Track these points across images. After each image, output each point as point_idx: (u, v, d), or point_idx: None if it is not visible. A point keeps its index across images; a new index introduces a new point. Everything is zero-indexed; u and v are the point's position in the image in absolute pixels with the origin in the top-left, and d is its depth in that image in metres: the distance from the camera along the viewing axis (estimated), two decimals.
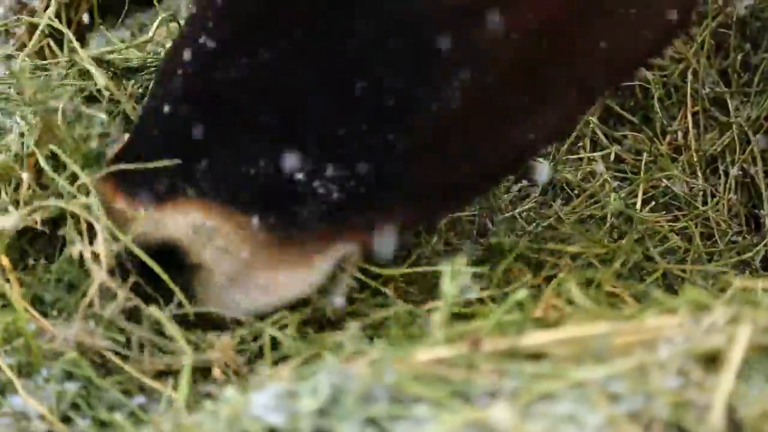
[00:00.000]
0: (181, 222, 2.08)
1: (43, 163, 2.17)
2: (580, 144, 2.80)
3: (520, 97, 2.12)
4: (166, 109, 2.09)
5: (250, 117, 2.06)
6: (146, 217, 2.07)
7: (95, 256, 2.07)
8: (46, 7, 2.95)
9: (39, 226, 2.16)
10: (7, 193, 2.23)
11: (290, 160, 2.06)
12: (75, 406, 2.02)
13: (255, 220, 2.07)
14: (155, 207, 2.08)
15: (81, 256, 2.11)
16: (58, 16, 2.92)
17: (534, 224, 2.51)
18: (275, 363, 2.04)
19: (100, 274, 2.06)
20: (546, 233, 2.54)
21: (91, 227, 2.09)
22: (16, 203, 2.19)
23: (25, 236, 2.20)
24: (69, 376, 2.04)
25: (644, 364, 1.61)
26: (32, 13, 2.99)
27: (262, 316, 2.14)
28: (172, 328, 2.02)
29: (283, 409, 1.63)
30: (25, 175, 2.21)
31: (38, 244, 2.23)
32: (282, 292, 2.14)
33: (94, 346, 2.05)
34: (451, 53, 2.03)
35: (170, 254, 2.10)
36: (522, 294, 1.78)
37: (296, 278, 2.14)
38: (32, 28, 2.95)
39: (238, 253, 2.09)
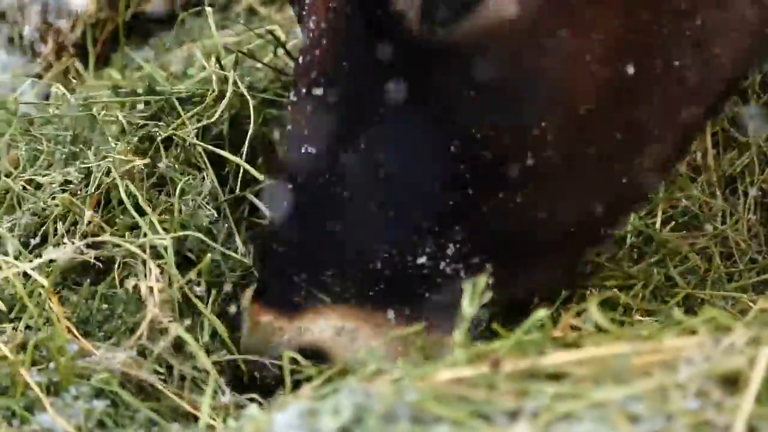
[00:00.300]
0: (324, 326, 2.11)
1: (127, 202, 2.23)
2: None
3: (613, 132, 2.10)
4: (287, 221, 2.13)
5: (362, 212, 2.09)
6: (290, 327, 2.10)
7: (150, 290, 2.12)
8: (72, 27, 2.98)
9: (92, 260, 2.21)
10: (63, 226, 2.28)
11: (409, 245, 2.08)
12: (102, 424, 2.04)
13: (390, 315, 2.09)
14: (297, 315, 2.11)
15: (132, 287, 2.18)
16: (83, 36, 2.96)
17: None
18: (297, 384, 2.05)
19: (153, 310, 2.10)
20: None
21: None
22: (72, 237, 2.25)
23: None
24: (98, 394, 2.06)
25: (664, 384, 1.62)
26: (58, 33, 3.02)
27: None
28: (196, 347, 2.03)
29: (306, 428, 1.64)
30: (88, 213, 2.26)
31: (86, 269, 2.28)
32: None
33: (138, 376, 2.09)
34: (534, 96, 2.04)
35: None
36: (541, 314, 1.79)
37: None
38: (58, 47, 2.99)
39: (381, 352, 2.07)
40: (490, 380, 1.66)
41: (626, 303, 2.34)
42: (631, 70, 2.05)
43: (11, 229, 2.32)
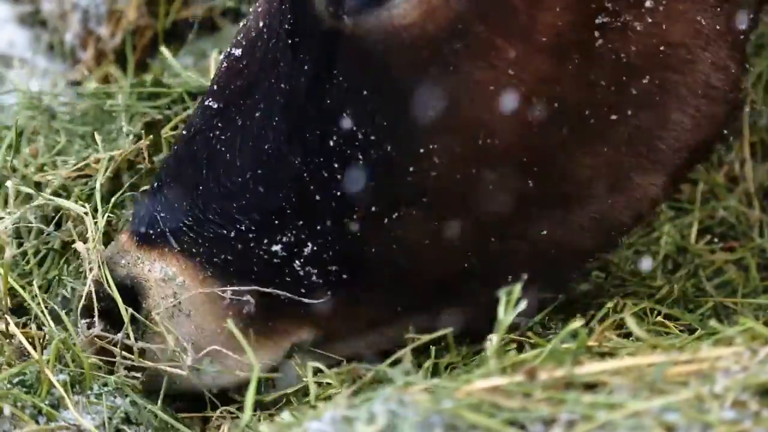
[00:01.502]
0: (157, 267, 2.09)
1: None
2: None
3: (528, 176, 1.99)
4: (174, 161, 2.15)
5: (232, 182, 2.06)
6: (132, 254, 2.11)
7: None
8: (113, 34, 3.01)
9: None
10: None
11: (269, 231, 2.05)
12: (126, 421, 2.08)
13: (218, 285, 2.06)
14: (146, 247, 2.10)
15: None
16: (123, 42, 2.99)
17: None
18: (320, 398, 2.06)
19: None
20: (598, 263, 2.55)
21: None
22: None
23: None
24: (120, 393, 2.10)
25: (701, 395, 1.61)
26: (98, 39, 3.05)
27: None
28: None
29: None
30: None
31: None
32: (245, 371, 2.08)
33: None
34: (428, 112, 1.96)
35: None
36: (576, 324, 1.79)
37: (260, 358, 2.07)
38: (98, 54, 3.02)
39: (202, 324, 2.08)
40: (525, 389, 1.65)
41: (653, 310, 2.33)
42: (554, 117, 1.95)
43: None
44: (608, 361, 1.70)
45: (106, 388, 2.09)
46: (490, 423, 1.60)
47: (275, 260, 2.05)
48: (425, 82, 1.96)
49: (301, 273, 2.06)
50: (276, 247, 2.05)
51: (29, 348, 2.11)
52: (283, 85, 2.05)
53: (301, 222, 2.04)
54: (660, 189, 2.09)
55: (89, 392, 2.08)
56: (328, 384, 2.11)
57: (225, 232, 2.07)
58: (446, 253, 2.05)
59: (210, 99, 2.11)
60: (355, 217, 2.03)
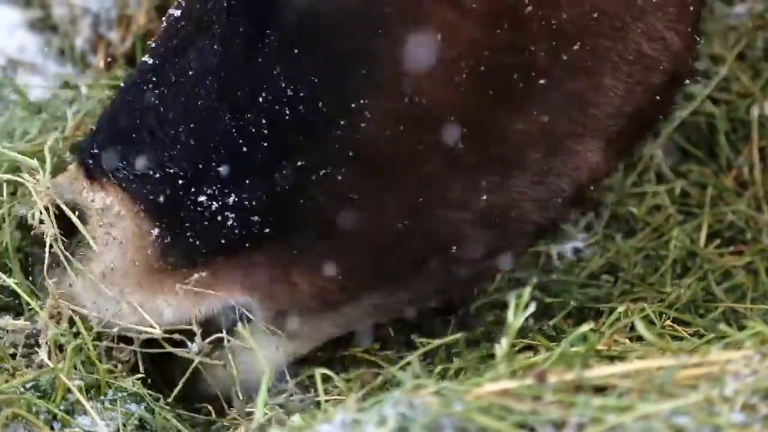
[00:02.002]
0: (97, 197, 2.13)
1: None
2: (645, 177, 2.79)
3: (460, 136, 2.03)
4: (112, 108, 2.19)
5: (164, 132, 2.11)
6: (88, 186, 2.14)
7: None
8: (123, 39, 3.02)
9: None
10: None
11: (197, 181, 2.09)
12: (140, 427, 2.08)
13: (155, 232, 2.11)
14: (90, 179, 2.14)
15: None
16: (133, 47, 3.00)
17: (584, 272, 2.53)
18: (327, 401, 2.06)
19: None
20: (606, 267, 2.55)
21: None
22: None
23: None
24: (134, 398, 2.11)
25: (710, 398, 1.62)
26: (108, 44, 3.06)
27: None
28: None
29: None
30: None
31: None
32: (153, 317, 2.11)
33: None
34: (359, 74, 2.01)
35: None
36: (585, 328, 1.79)
37: (175, 309, 2.12)
38: (108, 58, 3.02)
39: (127, 256, 2.12)
40: (535, 392, 1.66)
41: (663, 314, 2.33)
42: (482, 80, 2.00)
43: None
44: (618, 365, 1.71)
45: (120, 394, 2.10)
46: (499, 426, 1.61)
47: (201, 210, 2.09)
48: (354, 43, 2.01)
49: (227, 227, 2.08)
50: (202, 198, 2.09)
51: (45, 354, 2.12)
52: (216, 47, 2.09)
53: (228, 175, 2.08)
54: (599, 157, 2.12)
55: (103, 398, 2.09)
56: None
57: (157, 175, 2.10)
58: (381, 215, 2.08)
59: (147, 56, 2.16)
60: (283, 172, 2.06)
